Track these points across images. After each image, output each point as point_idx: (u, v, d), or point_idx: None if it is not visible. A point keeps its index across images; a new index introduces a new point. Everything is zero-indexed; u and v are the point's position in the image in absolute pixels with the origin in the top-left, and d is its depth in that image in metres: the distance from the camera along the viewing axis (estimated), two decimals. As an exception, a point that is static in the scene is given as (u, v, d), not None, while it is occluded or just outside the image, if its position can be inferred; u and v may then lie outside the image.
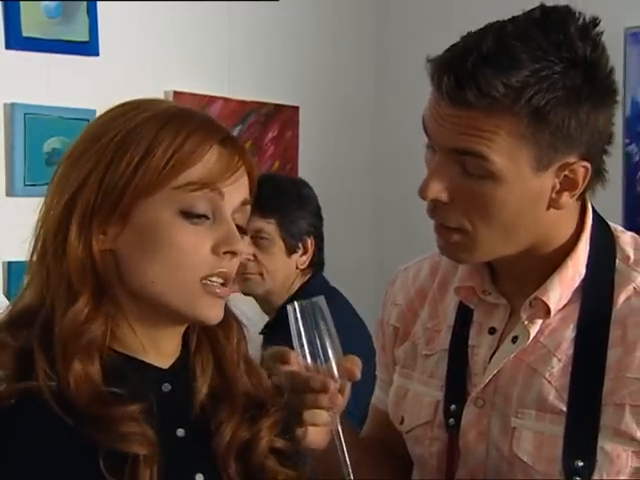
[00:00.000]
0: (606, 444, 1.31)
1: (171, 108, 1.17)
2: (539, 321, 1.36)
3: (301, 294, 2.47)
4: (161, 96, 3.05)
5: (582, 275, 1.36)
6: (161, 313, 1.15)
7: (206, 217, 1.14)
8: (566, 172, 1.29)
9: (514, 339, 1.38)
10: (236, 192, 1.16)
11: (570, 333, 1.35)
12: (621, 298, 1.34)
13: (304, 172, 3.31)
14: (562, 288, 1.35)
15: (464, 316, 1.44)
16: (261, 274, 2.55)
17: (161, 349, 1.18)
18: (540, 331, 1.36)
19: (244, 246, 1.17)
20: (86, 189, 1.12)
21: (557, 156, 1.28)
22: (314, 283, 2.56)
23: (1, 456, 1.07)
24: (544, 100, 1.24)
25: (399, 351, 1.54)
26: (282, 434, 1.23)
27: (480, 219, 1.30)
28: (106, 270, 1.14)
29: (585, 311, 1.35)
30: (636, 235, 1.42)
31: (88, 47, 2.94)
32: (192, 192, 1.13)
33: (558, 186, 1.30)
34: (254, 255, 2.53)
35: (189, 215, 1.13)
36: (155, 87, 3.04)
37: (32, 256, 1.16)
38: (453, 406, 1.42)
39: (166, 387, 1.17)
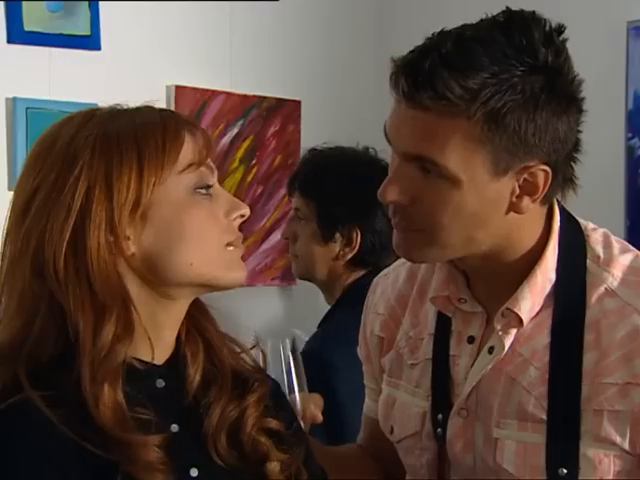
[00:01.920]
0: (588, 450, 1.31)
1: (125, 111, 1.19)
2: (513, 330, 1.34)
3: (351, 291, 2.24)
4: (163, 90, 3.05)
5: (552, 281, 1.34)
6: (194, 291, 1.19)
7: (211, 189, 1.19)
8: (525, 176, 1.27)
9: (490, 349, 1.37)
10: (213, 164, 1.21)
11: (545, 340, 1.33)
12: (593, 300, 1.32)
13: (306, 166, 3.30)
14: (533, 296, 1.33)
15: (444, 324, 1.43)
16: (296, 256, 2.33)
17: (162, 340, 1.18)
18: (516, 339, 1.35)
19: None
20: (95, 208, 1.12)
21: (515, 161, 1.26)
22: (366, 281, 2.22)
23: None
24: (501, 102, 1.22)
25: (385, 360, 1.53)
26: (270, 412, 1.23)
27: (439, 221, 1.29)
28: (131, 276, 1.15)
29: (558, 316, 1.33)
30: (607, 232, 1.40)
31: (90, 41, 2.93)
32: (195, 171, 1.17)
33: (518, 190, 1.28)
34: (294, 233, 2.30)
35: (201, 189, 1.18)
36: (157, 81, 3.03)
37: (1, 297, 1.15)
38: (440, 416, 1.41)
39: (160, 383, 1.18)
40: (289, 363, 1.42)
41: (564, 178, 1.31)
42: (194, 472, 1.16)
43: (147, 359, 1.17)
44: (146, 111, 1.19)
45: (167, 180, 1.15)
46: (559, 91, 1.26)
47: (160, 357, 1.19)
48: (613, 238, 1.39)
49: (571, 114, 1.28)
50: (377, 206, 2.22)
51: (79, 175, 1.12)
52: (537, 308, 1.34)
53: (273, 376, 1.37)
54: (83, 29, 2.93)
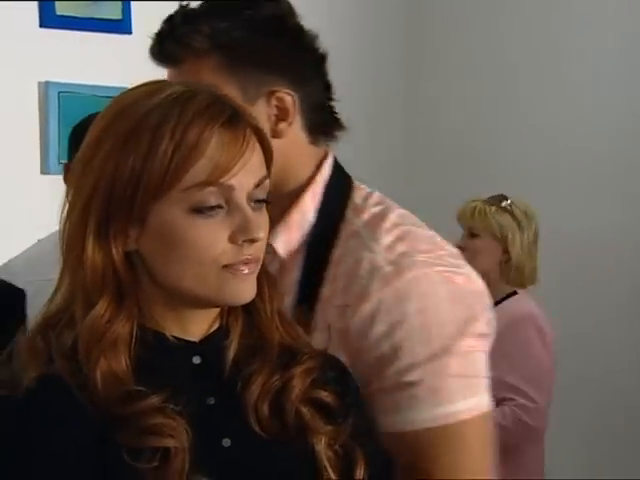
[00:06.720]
0: None
1: (171, 95, 1.15)
2: (276, 263, 1.41)
3: None
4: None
5: (310, 222, 1.42)
6: (192, 303, 1.17)
7: (220, 207, 1.14)
8: (275, 102, 1.38)
9: None
10: (248, 176, 1.15)
11: (297, 275, 1.41)
12: (342, 240, 1.41)
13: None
14: (289, 233, 1.41)
15: None
16: None
17: (189, 329, 1.19)
18: (278, 272, 1.40)
19: (265, 230, 1.17)
20: (97, 198, 1.13)
21: (260, 87, 1.37)
22: None
23: (22, 440, 1.09)
24: (233, 38, 1.37)
25: None
26: (320, 385, 1.21)
27: None
28: (131, 271, 1.15)
29: (309, 254, 1.42)
30: (381, 195, 1.49)
31: (121, 25, 2.95)
32: (200, 190, 1.12)
33: (274, 117, 1.38)
34: None
35: (201, 210, 1.13)
36: (187, 65, 3.04)
37: (62, 260, 1.17)
38: None
39: (196, 359, 1.19)
40: None
41: (314, 107, 1.42)
42: (226, 442, 1.16)
43: (179, 335, 1.18)
44: (184, 102, 1.14)
45: (164, 196, 1.12)
46: (287, 23, 1.41)
47: (196, 335, 1.20)
48: (378, 196, 1.48)
49: (301, 40, 1.42)
50: None
51: (98, 161, 1.14)
52: (294, 244, 1.42)
53: None
54: (114, 13, 2.94)
